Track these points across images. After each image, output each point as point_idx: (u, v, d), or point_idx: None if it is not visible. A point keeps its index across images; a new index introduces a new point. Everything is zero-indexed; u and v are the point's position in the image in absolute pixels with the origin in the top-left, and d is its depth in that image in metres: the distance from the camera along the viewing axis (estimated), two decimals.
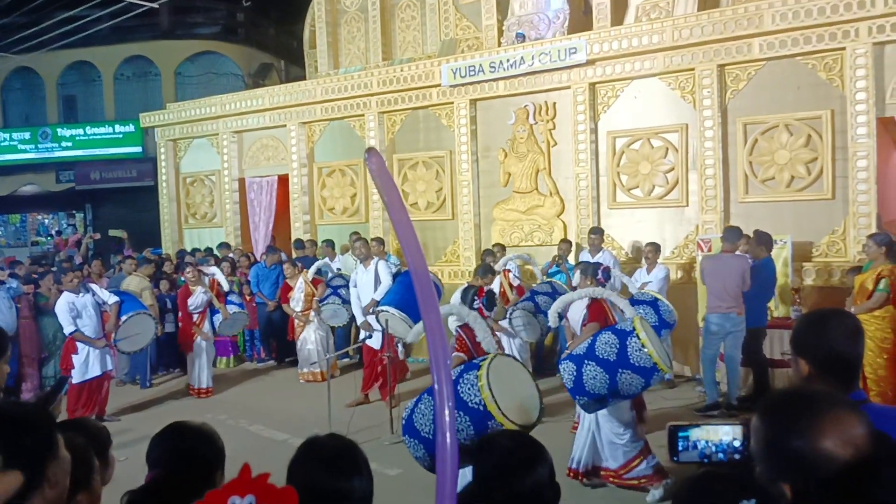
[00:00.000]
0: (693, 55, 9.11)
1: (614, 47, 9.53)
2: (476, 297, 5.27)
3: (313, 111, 12.34)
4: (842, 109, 8.39)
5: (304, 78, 14.18)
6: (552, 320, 6.11)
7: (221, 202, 13.67)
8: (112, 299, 8.15)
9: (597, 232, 9.33)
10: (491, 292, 5.74)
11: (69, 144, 21.09)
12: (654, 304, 7.16)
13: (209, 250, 12.42)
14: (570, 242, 9.81)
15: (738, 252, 7.80)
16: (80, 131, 21.15)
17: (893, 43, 8.09)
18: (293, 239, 12.19)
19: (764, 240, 7.77)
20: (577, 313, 6.04)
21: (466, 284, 6.13)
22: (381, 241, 9.91)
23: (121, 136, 20.79)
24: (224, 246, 12.48)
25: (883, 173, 8.50)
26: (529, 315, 8.11)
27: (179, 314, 9.52)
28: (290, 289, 10.05)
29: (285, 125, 12.69)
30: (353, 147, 12.12)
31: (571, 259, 9.67)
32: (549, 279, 8.87)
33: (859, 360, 2.25)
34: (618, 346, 5.09)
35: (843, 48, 8.28)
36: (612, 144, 9.88)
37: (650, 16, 10.00)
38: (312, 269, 10.11)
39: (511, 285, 9.07)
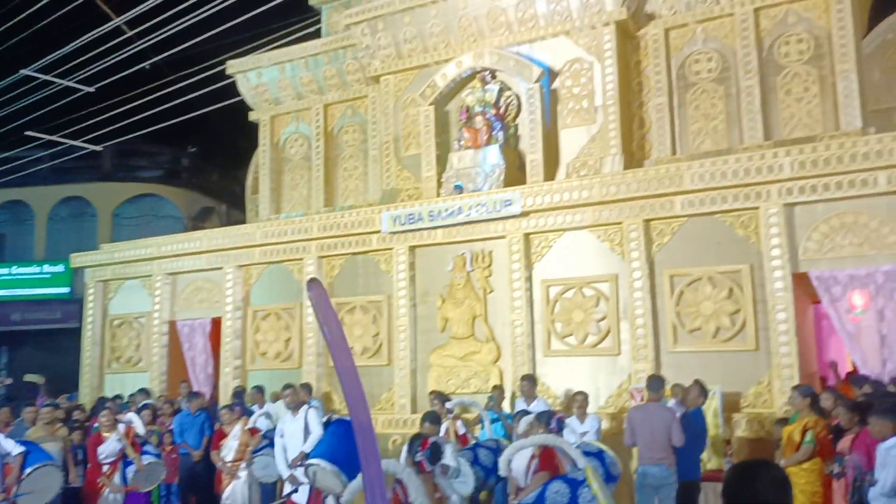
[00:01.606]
0: (620, 210, 9.59)
1: (547, 201, 9.97)
2: (419, 449, 5.08)
3: (252, 254, 12.34)
4: (759, 265, 8.85)
5: (244, 222, 14.29)
6: (503, 468, 5.92)
7: (149, 346, 13.23)
8: (17, 449, 7.56)
9: (528, 379, 9.27)
10: (435, 444, 5.55)
11: None
12: (599, 455, 7.00)
13: (145, 391, 11.83)
14: (502, 389, 9.72)
15: (671, 402, 7.86)
16: (6, 271, 20.56)
17: (802, 204, 8.70)
18: (223, 384, 11.77)
19: (704, 390, 7.85)
20: (521, 463, 5.90)
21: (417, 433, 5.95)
22: (308, 388, 9.65)
23: (49, 276, 20.30)
24: (141, 392, 11.86)
25: (802, 326, 8.85)
26: (466, 465, 7.86)
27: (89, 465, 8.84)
28: (223, 436, 9.45)
29: (221, 268, 12.60)
30: (291, 291, 12.06)
31: (506, 406, 9.57)
32: (495, 438, 8.66)
33: None
34: (569, 496, 4.96)
35: (757, 208, 8.86)
36: (546, 293, 10.10)
37: (580, 173, 10.59)
38: (255, 416, 9.62)
39: (457, 434, 8.82)
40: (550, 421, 6.17)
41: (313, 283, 1.99)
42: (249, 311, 12.44)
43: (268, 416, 9.75)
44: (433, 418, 7.98)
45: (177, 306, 13.23)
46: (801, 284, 8.95)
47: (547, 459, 5.73)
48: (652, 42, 10.87)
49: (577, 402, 8.59)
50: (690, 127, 10.63)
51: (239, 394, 11.23)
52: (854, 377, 9.22)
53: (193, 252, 12.86)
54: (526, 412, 7.86)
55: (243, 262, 12.44)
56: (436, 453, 5.25)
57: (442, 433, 8.32)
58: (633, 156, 10.75)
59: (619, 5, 10.56)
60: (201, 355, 12.89)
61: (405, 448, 5.22)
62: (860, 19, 10.16)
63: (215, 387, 12.58)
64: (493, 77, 11.49)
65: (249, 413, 9.92)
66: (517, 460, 5.92)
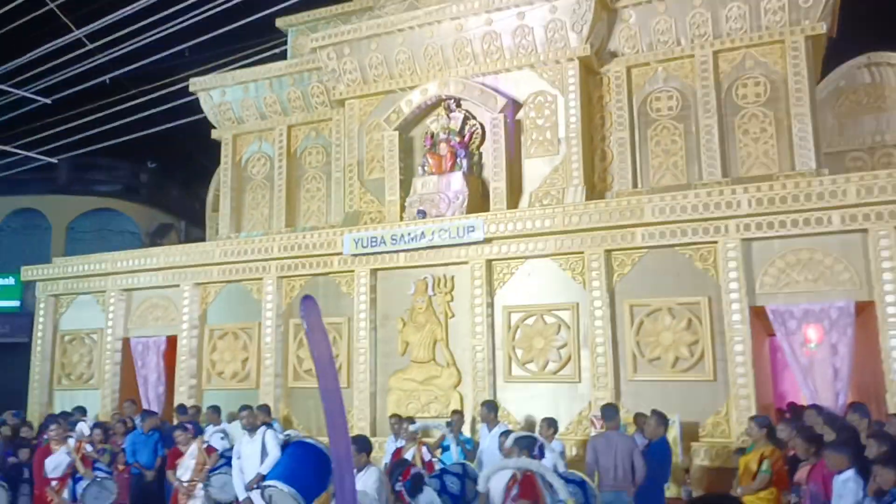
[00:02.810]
0: (582, 240, 9.74)
1: (509, 228, 10.07)
2: (400, 477, 4.97)
3: (210, 272, 12.15)
4: (717, 297, 9.06)
5: (204, 240, 14.08)
6: (482, 485, 5.87)
7: (101, 363, 12.87)
8: None
9: (488, 404, 9.22)
10: (417, 475, 5.44)
11: None
12: (582, 485, 6.96)
13: (80, 409, 11.47)
14: (462, 414, 9.69)
15: (635, 434, 7.95)
16: None
17: (759, 240, 8.96)
18: (176, 404, 11.49)
19: (662, 420, 7.92)
20: (499, 484, 5.85)
21: (394, 461, 5.80)
22: (266, 409, 9.49)
23: None
24: (78, 410, 11.48)
25: (758, 358, 9.06)
26: (434, 494, 7.77)
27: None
28: (179, 455, 9.19)
29: (178, 285, 12.37)
30: (249, 310, 11.90)
31: (466, 431, 9.54)
32: (462, 461, 8.57)
33: None
34: None
35: (716, 242, 9.09)
36: (507, 319, 10.16)
37: (542, 202, 10.74)
38: (210, 433, 9.39)
39: (423, 460, 8.71)
40: (532, 447, 6.14)
41: (308, 300, 1.98)
42: (206, 330, 12.22)
43: (224, 434, 9.54)
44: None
45: (131, 323, 12.92)
46: (758, 317, 9.18)
47: (528, 487, 5.69)
48: (614, 79, 11.14)
49: (540, 428, 8.50)
50: (651, 161, 10.89)
51: (181, 408, 10.98)
52: (794, 408, 9.45)
53: (150, 268, 12.61)
54: (509, 431, 7.78)
55: (201, 280, 12.24)
56: (416, 485, 5.17)
57: (409, 457, 8.23)
58: (595, 187, 10.95)
59: (582, 42, 10.82)
60: (153, 373, 12.59)
61: (374, 476, 5.09)
62: (814, 66, 10.60)
63: (168, 405, 12.28)
64: (458, 105, 11.63)
65: (200, 432, 9.70)
66: (495, 480, 5.88)
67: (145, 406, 12.05)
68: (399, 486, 4.90)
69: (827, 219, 8.59)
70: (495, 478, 5.87)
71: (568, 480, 6.82)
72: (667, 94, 10.94)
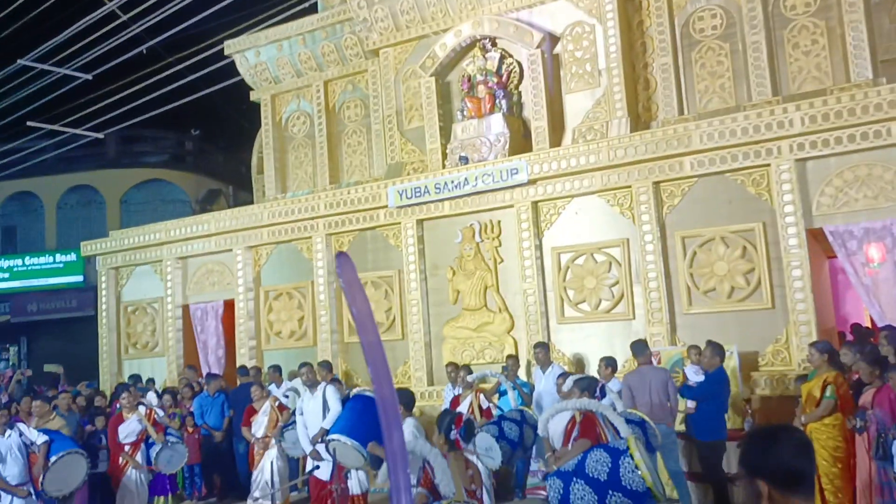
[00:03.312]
0: (629, 173, 9.48)
1: (553, 167, 9.87)
2: (453, 426, 5.01)
3: (260, 235, 12.32)
4: (772, 222, 8.74)
5: (251, 203, 14.25)
6: (541, 428, 5.90)
7: (164, 330, 13.29)
8: (41, 439, 7.64)
9: (541, 346, 9.24)
10: (469, 422, 5.49)
11: (6, 276, 20.54)
12: (642, 424, 6.89)
13: (151, 381, 11.92)
14: (516, 358, 9.71)
15: (690, 367, 7.86)
16: (19, 262, 20.66)
17: (814, 159, 8.57)
18: (238, 365, 11.83)
19: (718, 350, 7.79)
20: (558, 426, 5.86)
21: (444, 409, 5.90)
22: (328, 365, 9.66)
23: (62, 265, 20.37)
24: (133, 379, 11.99)
25: (817, 282, 8.77)
26: (492, 440, 7.84)
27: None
28: (253, 412, 9.49)
29: (231, 250, 12.60)
30: (301, 270, 12.06)
31: (522, 375, 9.56)
32: (520, 407, 8.60)
33: (814, 473, 2.26)
34: (610, 465, 4.84)
35: (769, 164, 8.74)
36: (556, 260, 10.04)
37: (586, 137, 10.47)
38: (281, 391, 9.67)
39: (480, 407, 8.79)
40: (594, 388, 6.11)
41: (342, 257, 1.94)
42: (261, 292, 12.45)
43: (295, 391, 9.78)
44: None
45: (189, 290, 13.26)
46: (816, 240, 8.86)
47: (588, 427, 5.68)
48: (654, 1, 10.66)
49: (600, 369, 8.43)
50: (697, 86, 10.46)
51: (242, 369, 11.30)
52: (858, 329, 9.17)
53: (202, 235, 12.85)
54: (584, 377, 7.80)
55: (252, 243, 12.43)
56: (470, 431, 5.22)
57: (465, 408, 8.31)
58: (640, 118, 10.61)
59: None
60: (213, 338, 12.93)
61: (409, 428, 5.16)
62: None
63: (230, 367, 12.64)
64: (494, 45, 11.33)
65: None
66: (555, 423, 5.88)
67: (205, 370, 12.44)
68: (454, 435, 4.94)
69: (886, 131, 8.13)
70: (554, 420, 5.87)
71: (627, 421, 6.78)
72: (710, 13, 10.43)
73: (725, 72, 10.31)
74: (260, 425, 9.27)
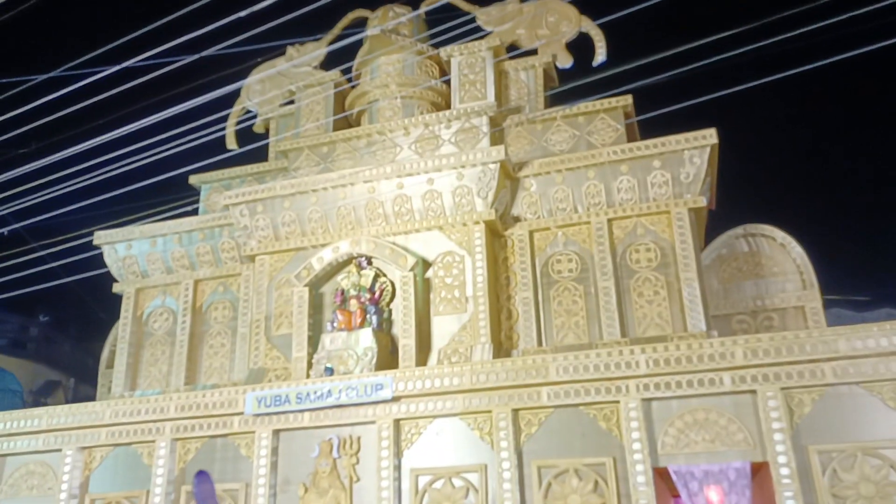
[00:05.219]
0: (490, 398, 9.75)
1: (418, 386, 10.00)
2: None
3: (98, 435, 11.33)
4: (622, 458, 9.12)
5: (94, 398, 13.26)
6: None
7: None
8: None
9: None
10: None
11: None
12: None
13: None
14: None
15: None
16: None
17: (658, 400, 9.22)
18: None
19: None
20: None
21: None
22: None
23: None
24: None
25: None
26: None
27: None
28: None
29: (60, 450, 11.44)
30: (137, 477, 11.06)
31: None
32: None
33: None
34: None
35: (618, 402, 9.29)
36: (415, 483, 9.83)
37: (451, 359, 10.79)
38: None
39: None
40: None
41: (203, 475, 1.91)
42: (87, 500, 11.20)
43: None
44: None
45: (2, 494, 11.72)
46: (662, 478, 9.24)
47: None
48: (518, 241, 11.71)
49: None
50: (555, 321, 11.24)
51: None
52: None
53: (29, 431, 11.65)
54: None
55: (87, 444, 11.37)
56: None
57: None
58: (502, 345, 11.14)
59: (487, 207, 11.42)
60: None
61: None
62: (698, 235, 11.49)
63: None
64: (370, 263, 11.83)
65: None
66: None
67: None
68: None
69: (719, 379, 8.98)
70: None
71: None
72: (567, 257, 11.52)
73: (580, 310, 11.19)
74: None
